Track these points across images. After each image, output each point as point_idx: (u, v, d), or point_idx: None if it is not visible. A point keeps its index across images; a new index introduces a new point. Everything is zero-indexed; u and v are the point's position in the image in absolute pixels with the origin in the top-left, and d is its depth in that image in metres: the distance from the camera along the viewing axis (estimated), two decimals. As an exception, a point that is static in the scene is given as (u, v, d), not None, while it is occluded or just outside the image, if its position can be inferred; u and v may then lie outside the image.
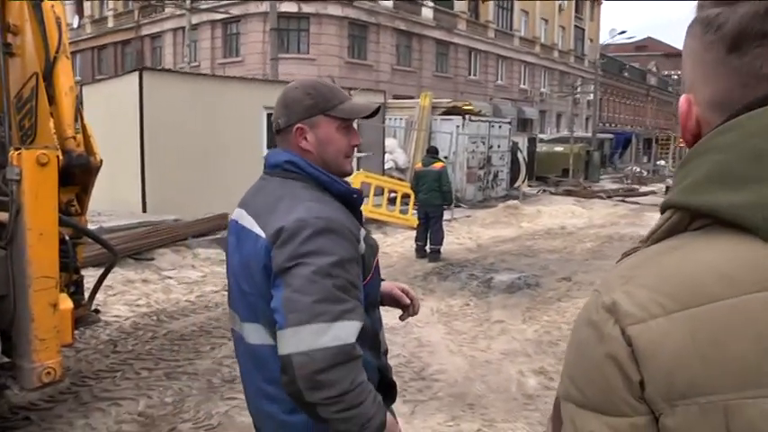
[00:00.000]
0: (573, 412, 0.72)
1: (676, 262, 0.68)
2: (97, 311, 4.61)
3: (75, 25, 39.56)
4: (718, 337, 0.63)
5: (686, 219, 0.72)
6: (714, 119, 0.73)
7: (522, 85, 40.36)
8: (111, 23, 36.40)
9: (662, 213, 0.76)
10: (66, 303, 3.63)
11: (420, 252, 10.08)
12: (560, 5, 44.08)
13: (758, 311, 0.62)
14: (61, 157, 3.93)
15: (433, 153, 10.42)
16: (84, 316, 4.41)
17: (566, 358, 0.75)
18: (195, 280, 7.87)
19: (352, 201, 1.65)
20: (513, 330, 6.15)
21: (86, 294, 4.61)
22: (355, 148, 1.71)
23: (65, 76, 4.22)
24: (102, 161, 4.38)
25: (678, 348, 0.64)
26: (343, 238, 1.47)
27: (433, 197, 9.80)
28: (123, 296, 7.00)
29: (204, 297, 7.17)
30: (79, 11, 39.24)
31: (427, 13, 31.70)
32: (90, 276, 5.15)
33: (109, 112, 11.86)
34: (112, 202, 11.42)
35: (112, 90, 11.93)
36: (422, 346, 5.53)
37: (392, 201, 13.38)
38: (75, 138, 4.17)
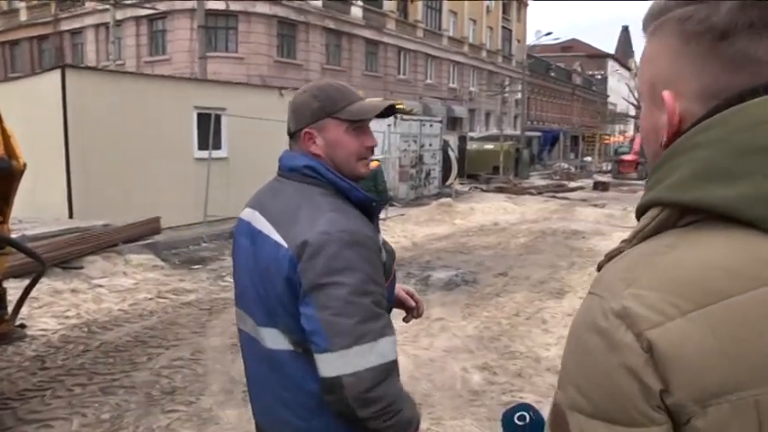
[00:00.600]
0: (582, 423, 0.69)
1: (677, 260, 0.68)
2: (23, 326, 4.36)
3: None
4: (738, 334, 0.63)
5: (675, 215, 0.72)
6: (700, 110, 0.73)
7: (451, 84, 40.90)
8: (23, 17, 34.47)
9: (642, 213, 0.76)
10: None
11: None
12: (488, 6, 44.93)
13: None
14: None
15: None
16: (7, 332, 4.17)
17: (566, 366, 0.73)
18: (128, 288, 7.59)
19: (370, 208, 1.62)
20: (453, 327, 6.21)
21: (10, 308, 4.38)
22: (372, 150, 1.67)
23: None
24: (25, 165, 4.16)
25: (702, 348, 0.63)
26: (368, 250, 1.47)
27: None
28: (50, 308, 6.67)
29: (138, 305, 6.93)
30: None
31: (356, 12, 31.67)
32: (13, 289, 4.90)
33: (26, 112, 11.26)
34: (36, 209, 10.87)
35: (30, 89, 11.34)
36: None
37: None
38: (-5, 142, 3.94)
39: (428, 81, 38.46)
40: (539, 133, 41.39)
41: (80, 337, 5.86)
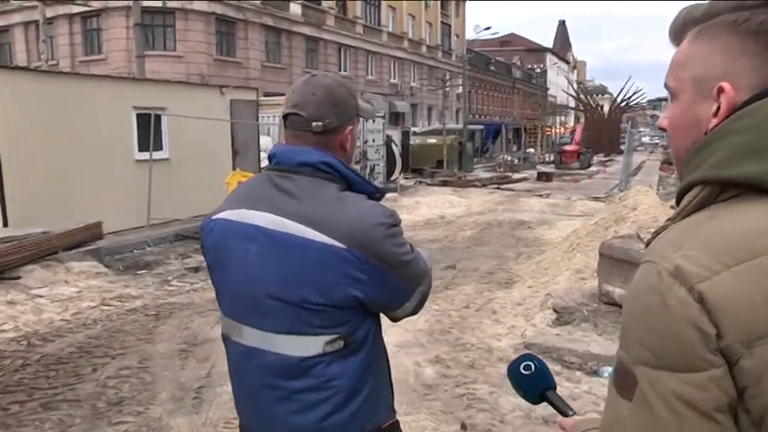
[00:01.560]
0: (649, 374, 0.76)
1: (720, 225, 0.78)
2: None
3: None
4: None
5: (715, 192, 0.82)
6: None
7: (392, 80, 41.02)
8: (-55, 17, 32.95)
9: (682, 195, 0.87)
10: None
11: None
12: (426, 3, 45.22)
13: None
14: None
15: None
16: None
17: (628, 326, 0.81)
18: (70, 296, 7.33)
19: (377, 199, 1.66)
20: (403, 322, 6.20)
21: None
22: None
23: None
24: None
25: (747, 296, 0.73)
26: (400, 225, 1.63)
27: None
28: (-18, 322, 6.39)
29: (81, 314, 6.70)
30: None
31: (295, 8, 31.41)
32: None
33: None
34: (-35, 217, 10.42)
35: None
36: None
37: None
38: None
39: (369, 77, 38.49)
40: (481, 126, 41.88)
41: (18, 351, 5.61)
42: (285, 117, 1.61)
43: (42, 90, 10.09)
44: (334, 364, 1.53)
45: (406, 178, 23.53)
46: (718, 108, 0.85)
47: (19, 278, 7.65)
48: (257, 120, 15.62)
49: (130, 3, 18.03)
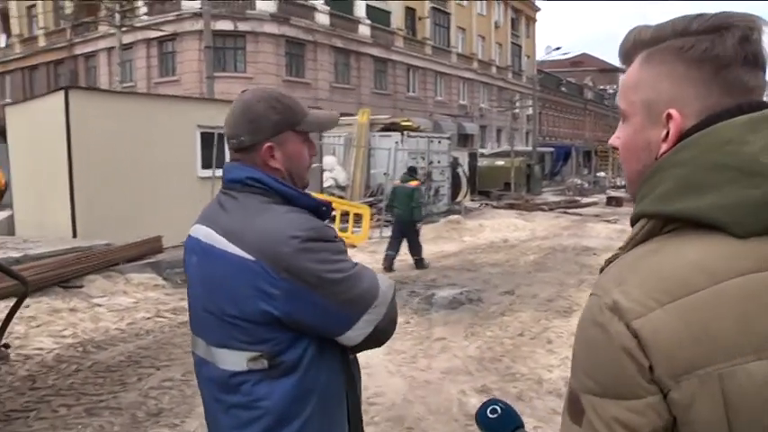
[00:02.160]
0: (593, 402, 0.81)
1: (660, 262, 0.81)
2: (6, 346, 4.27)
3: (3, 44, 38.24)
4: (706, 320, 0.76)
5: (659, 224, 0.85)
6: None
7: (461, 101, 40.90)
8: (42, 42, 35.15)
9: (634, 222, 0.89)
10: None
11: (388, 262, 10.46)
12: (496, 23, 45.03)
13: (736, 295, 0.76)
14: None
15: (411, 172, 11.15)
16: (-11, 353, 4.08)
17: (576, 355, 0.85)
18: (126, 307, 7.50)
19: (321, 213, 1.58)
20: (454, 348, 6.05)
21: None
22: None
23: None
24: (6, 184, 4.09)
25: (675, 333, 0.76)
26: (335, 238, 1.51)
27: (407, 213, 10.44)
28: (48, 327, 6.60)
29: (135, 324, 6.84)
30: (6, 28, 37.84)
31: (364, 30, 31.83)
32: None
33: (35, 133, 11.35)
34: (41, 227, 10.91)
35: (37, 110, 11.40)
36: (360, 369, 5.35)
37: (333, 218, 13.20)
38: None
39: (438, 98, 38.51)
40: (551, 149, 41.11)
41: (74, 356, 5.77)
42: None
43: (111, 109, 10.51)
44: (263, 383, 1.47)
45: (472, 200, 23.26)
46: (667, 133, 0.87)
47: (82, 287, 7.90)
48: (320, 139, 15.77)
49: (203, 27, 18.63)
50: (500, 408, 1.22)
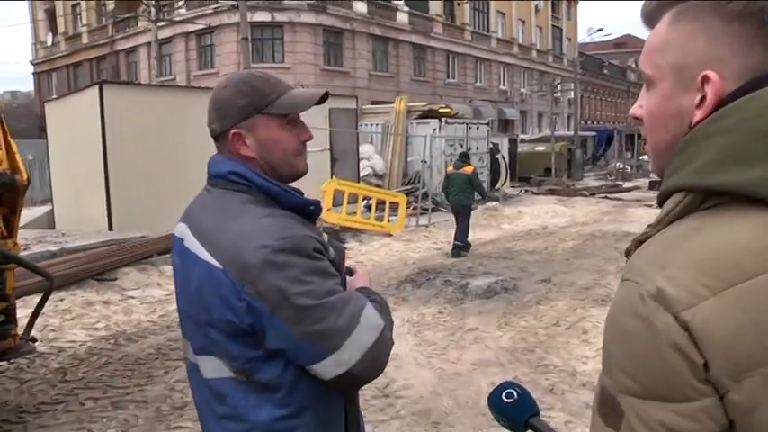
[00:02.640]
0: (634, 404, 0.72)
1: (705, 242, 0.71)
2: (33, 340, 4.30)
3: (50, 43, 39.29)
4: (766, 309, 0.66)
5: (698, 199, 0.75)
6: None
7: (501, 87, 40.31)
8: (85, 39, 36.01)
9: (664, 198, 0.80)
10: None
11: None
12: (536, 6, 44.14)
13: None
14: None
15: (463, 158, 11.22)
16: (15, 347, 4.11)
17: (610, 351, 0.75)
18: (159, 299, 7.55)
19: (308, 213, 1.45)
20: (487, 338, 5.89)
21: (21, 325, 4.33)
22: (306, 144, 1.51)
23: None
24: (29, 179, 4.09)
25: (733, 325, 0.67)
26: (314, 251, 1.34)
27: (462, 198, 10.64)
28: (81, 320, 6.68)
29: (167, 316, 6.85)
30: (53, 28, 38.88)
31: (402, 17, 31.56)
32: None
33: (72, 129, 11.54)
34: (79, 221, 11.10)
35: (74, 106, 11.59)
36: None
37: (369, 207, 13.10)
38: (-3, 155, 3.89)
39: (478, 84, 38.03)
40: (593, 133, 40.25)
41: (105, 349, 5.81)
42: None
43: (147, 102, 10.61)
44: (249, 397, 1.37)
45: (512, 187, 22.92)
46: (703, 99, 0.78)
47: (116, 279, 7.97)
48: (356, 128, 15.67)
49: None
50: (516, 392, 1.12)
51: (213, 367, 1.39)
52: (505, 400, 1.12)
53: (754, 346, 0.66)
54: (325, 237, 1.49)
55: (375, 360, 1.35)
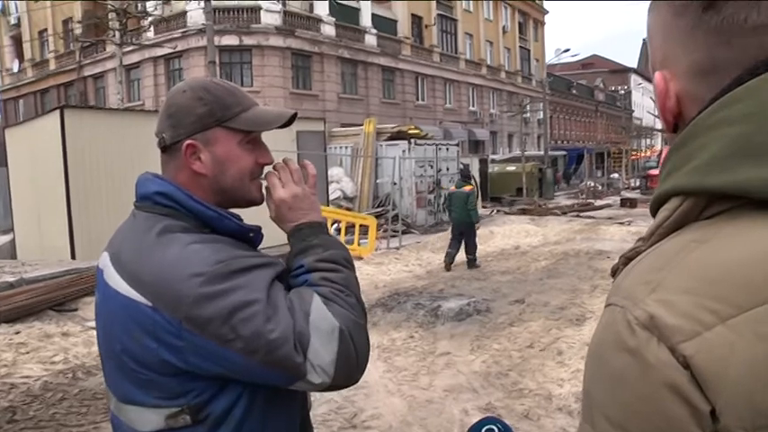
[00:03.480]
0: None
1: (710, 256, 0.57)
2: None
3: (16, 69, 38.67)
4: None
5: (700, 205, 0.62)
6: (700, 90, 0.65)
7: (471, 108, 40.62)
8: (52, 66, 35.55)
9: (658, 206, 0.67)
10: None
11: (449, 259, 11.05)
12: (504, 27, 44.77)
13: None
14: None
15: (465, 177, 11.75)
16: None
17: (592, 394, 0.61)
18: (121, 329, 7.28)
19: (246, 241, 1.28)
20: (459, 362, 5.74)
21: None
22: (264, 168, 1.33)
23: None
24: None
25: (750, 361, 0.51)
26: (255, 269, 1.16)
27: (464, 215, 11.05)
28: (38, 353, 6.37)
29: (128, 348, 6.59)
30: (19, 54, 38.32)
31: (371, 39, 31.71)
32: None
33: (33, 155, 11.24)
34: (42, 250, 10.77)
35: (34, 131, 11.32)
36: (357, 388, 5.06)
37: (339, 231, 12.94)
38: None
39: (447, 105, 38.28)
40: (563, 152, 40.72)
41: (61, 384, 5.52)
42: None
43: (110, 126, 10.38)
44: None
45: (483, 207, 22.93)
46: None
47: (76, 310, 7.70)
48: (325, 151, 15.56)
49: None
50: (498, 429, 1.04)
51: (144, 417, 1.19)
52: None
53: None
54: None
55: (348, 366, 1.16)
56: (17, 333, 6.72)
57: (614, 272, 0.69)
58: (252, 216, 1.36)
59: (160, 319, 1.11)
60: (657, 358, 0.54)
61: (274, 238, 1.79)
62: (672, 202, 0.64)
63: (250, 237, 1.30)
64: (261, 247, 1.39)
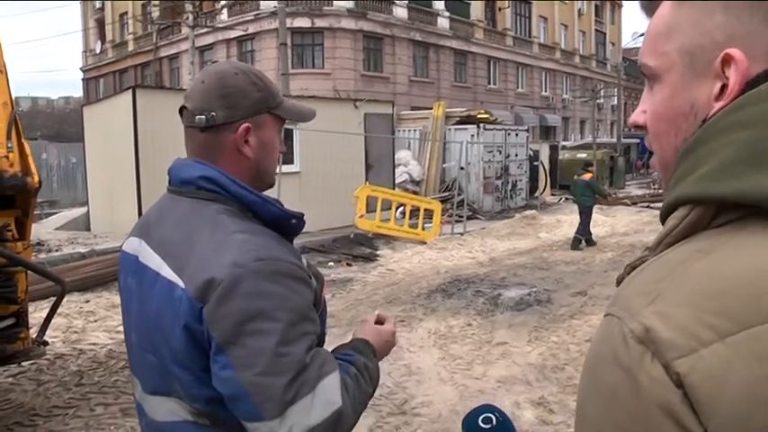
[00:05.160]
0: None
1: (714, 268, 0.54)
2: (45, 344, 4.24)
3: (98, 50, 40.32)
4: None
5: (709, 214, 0.59)
6: None
7: (543, 93, 39.71)
8: (131, 47, 36.84)
9: (667, 215, 0.64)
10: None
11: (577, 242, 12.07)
12: (579, 10, 43.41)
13: None
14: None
15: (585, 166, 13.05)
16: (24, 350, 4.06)
17: (585, 409, 0.59)
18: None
19: (287, 227, 1.26)
20: (515, 353, 5.62)
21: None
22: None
23: (-2, 91, 3.92)
24: (40, 182, 4.02)
25: (749, 382, 0.49)
26: (295, 280, 1.14)
27: (584, 199, 12.19)
28: (105, 322, 6.65)
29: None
30: (102, 36, 39.91)
31: (443, 22, 31.34)
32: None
33: (106, 131, 11.68)
34: (112, 224, 11.22)
35: (108, 110, 11.75)
36: (410, 374, 5.03)
37: (404, 214, 12.88)
38: (8, 157, 3.84)
39: (519, 90, 37.54)
40: (637, 140, 39.33)
41: (123, 353, 5.70)
42: (180, 112, 1.28)
43: (178, 107, 10.62)
44: None
45: (552, 195, 22.44)
46: (723, 87, 0.61)
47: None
48: (393, 133, 15.51)
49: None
50: (495, 417, 1.01)
51: (166, 410, 1.20)
52: (482, 425, 1.01)
53: None
54: (305, 261, 1.28)
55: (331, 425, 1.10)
56: (87, 302, 7.02)
57: (619, 282, 0.66)
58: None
59: (185, 299, 1.10)
60: (650, 376, 0.52)
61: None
62: (680, 211, 0.61)
63: (291, 223, 1.28)
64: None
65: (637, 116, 0.72)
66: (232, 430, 1.13)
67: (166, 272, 1.16)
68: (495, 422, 1.01)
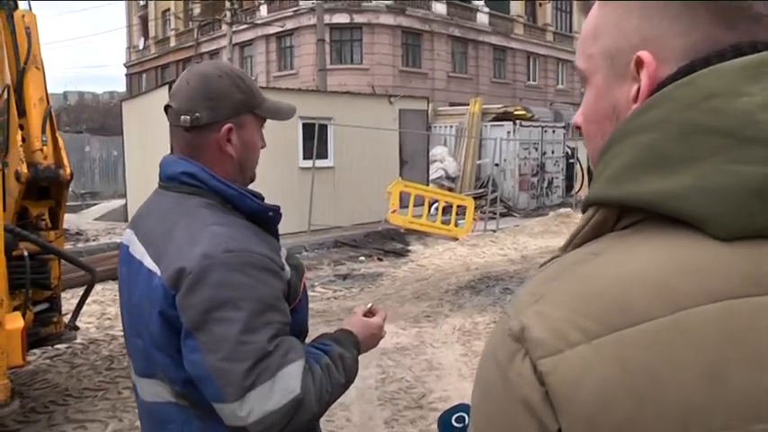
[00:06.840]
0: None
1: (595, 272, 0.55)
2: (76, 328, 4.41)
3: (141, 46, 41.22)
4: (656, 368, 0.49)
5: (613, 216, 0.59)
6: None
7: (582, 89, 39.13)
8: (173, 43, 37.54)
9: (583, 213, 0.63)
10: (16, 323, 3.41)
11: None
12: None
13: (706, 332, 0.49)
14: (26, 171, 3.79)
15: None
16: (56, 333, 4.25)
17: (472, 401, 0.60)
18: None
19: (266, 219, 1.34)
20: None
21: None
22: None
23: (34, 87, 4.10)
24: (72, 174, 4.19)
25: (603, 385, 0.49)
26: (263, 271, 1.21)
27: None
28: (138, 310, 6.85)
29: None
30: (145, 32, 40.80)
31: (482, 18, 31.12)
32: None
33: (143, 125, 11.96)
34: (151, 216, 11.49)
35: (146, 105, 12.02)
36: (430, 370, 5.06)
37: (437, 210, 12.89)
38: (42, 150, 4.00)
39: (559, 86, 37.07)
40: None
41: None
42: (165, 110, 1.37)
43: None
44: (194, 424, 1.24)
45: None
46: (639, 89, 0.61)
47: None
48: (427, 129, 15.51)
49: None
50: (468, 416, 1.00)
51: (153, 390, 1.29)
52: (455, 424, 1.02)
53: (628, 419, 0.48)
54: (284, 252, 1.36)
55: (271, 427, 1.15)
56: (121, 291, 7.23)
57: None
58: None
59: (161, 287, 1.18)
60: (518, 373, 0.53)
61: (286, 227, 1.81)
62: (588, 212, 0.62)
63: (269, 216, 1.35)
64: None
65: (576, 117, 0.73)
66: (209, 411, 1.19)
67: (148, 261, 1.24)
68: (467, 421, 1.01)
